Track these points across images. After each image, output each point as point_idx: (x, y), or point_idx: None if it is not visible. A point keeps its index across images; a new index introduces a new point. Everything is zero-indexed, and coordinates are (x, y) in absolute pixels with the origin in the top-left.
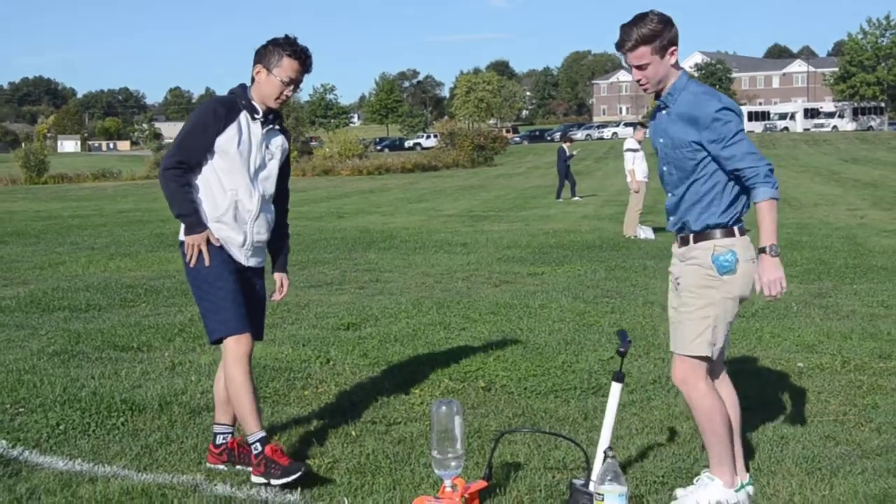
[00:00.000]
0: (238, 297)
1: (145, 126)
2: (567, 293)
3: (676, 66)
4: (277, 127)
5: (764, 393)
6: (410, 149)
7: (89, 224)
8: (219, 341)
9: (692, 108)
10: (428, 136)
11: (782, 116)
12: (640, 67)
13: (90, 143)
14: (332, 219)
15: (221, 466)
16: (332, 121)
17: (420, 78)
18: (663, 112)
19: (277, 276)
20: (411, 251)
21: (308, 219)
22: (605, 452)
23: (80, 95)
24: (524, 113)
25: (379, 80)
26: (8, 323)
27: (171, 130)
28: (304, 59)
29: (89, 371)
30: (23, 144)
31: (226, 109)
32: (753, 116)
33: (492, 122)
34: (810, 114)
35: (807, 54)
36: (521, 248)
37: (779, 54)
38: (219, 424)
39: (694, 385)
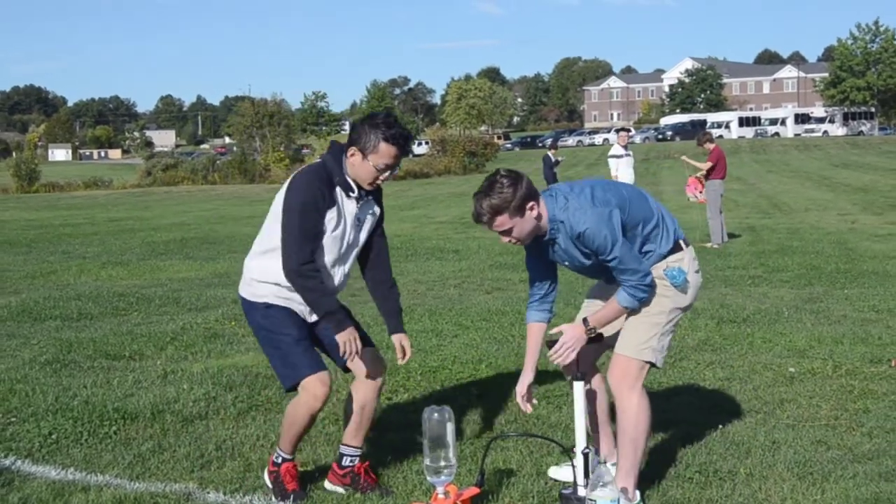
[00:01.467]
0: (305, 341)
1: (137, 134)
2: (558, 299)
3: (539, 211)
4: (371, 197)
5: (755, 398)
6: None
7: (81, 233)
8: (293, 388)
9: (573, 228)
10: (419, 143)
11: (773, 122)
12: (504, 233)
13: (81, 151)
14: None
15: (340, 489)
16: (324, 128)
17: (411, 85)
18: (557, 241)
19: (396, 338)
20: (403, 258)
21: None
22: (583, 454)
23: (70, 104)
24: (515, 119)
25: (370, 87)
26: None
27: (162, 138)
28: (402, 144)
29: (81, 380)
30: (13, 153)
31: (328, 188)
32: (744, 122)
33: (483, 128)
34: (801, 119)
35: (797, 60)
36: (512, 254)
37: (769, 60)
38: (346, 446)
39: (630, 387)
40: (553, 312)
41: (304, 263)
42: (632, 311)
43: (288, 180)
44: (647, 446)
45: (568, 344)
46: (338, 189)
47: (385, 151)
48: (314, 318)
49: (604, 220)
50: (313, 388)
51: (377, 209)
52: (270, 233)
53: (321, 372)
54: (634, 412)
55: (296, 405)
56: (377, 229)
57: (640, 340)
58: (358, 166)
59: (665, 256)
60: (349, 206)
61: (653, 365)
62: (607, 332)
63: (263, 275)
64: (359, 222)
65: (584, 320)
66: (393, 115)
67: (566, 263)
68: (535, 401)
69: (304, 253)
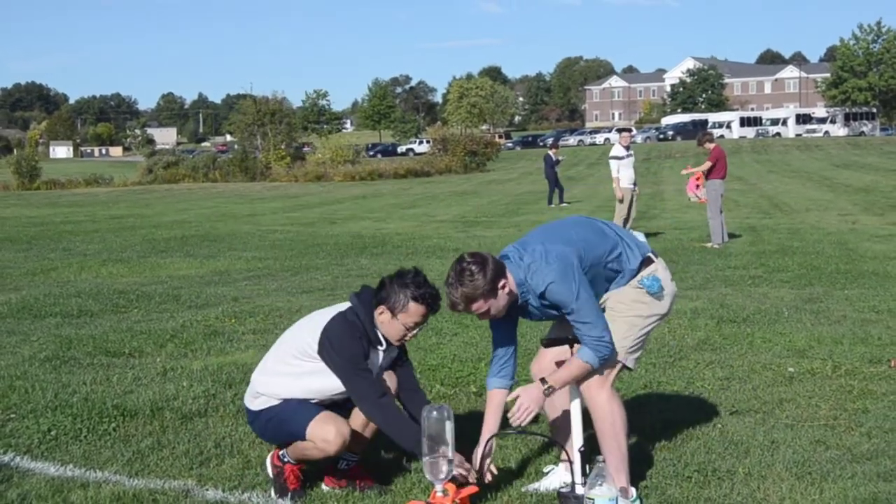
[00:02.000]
0: (304, 403)
1: (138, 132)
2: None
3: (509, 286)
4: (396, 344)
5: (755, 397)
6: (403, 154)
7: (81, 230)
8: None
9: (536, 289)
10: (420, 142)
11: (774, 122)
12: (483, 314)
13: (82, 148)
14: (325, 224)
15: (337, 489)
16: (325, 126)
17: (413, 83)
18: (529, 302)
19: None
20: (403, 257)
21: (300, 224)
22: (579, 451)
23: (72, 101)
24: (517, 118)
25: (372, 85)
26: None
27: (163, 136)
28: (431, 303)
29: (81, 377)
30: (15, 150)
31: (366, 342)
32: (745, 122)
33: (484, 127)
34: (802, 119)
35: (799, 60)
36: None
37: (771, 60)
38: (346, 451)
39: (599, 386)
40: (514, 379)
41: (382, 395)
42: (608, 314)
43: (317, 320)
44: (629, 443)
45: (525, 405)
46: (367, 340)
47: (414, 311)
48: None
49: (564, 275)
50: (321, 432)
51: (397, 351)
52: (289, 359)
53: (322, 413)
54: (607, 410)
55: (308, 446)
56: (399, 359)
57: (615, 339)
58: (387, 324)
59: (637, 272)
60: (373, 357)
61: (625, 367)
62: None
63: (269, 391)
64: (381, 370)
65: (542, 379)
66: (422, 273)
67: (543, 318)
68: (494, 469)
69: (373, 387)
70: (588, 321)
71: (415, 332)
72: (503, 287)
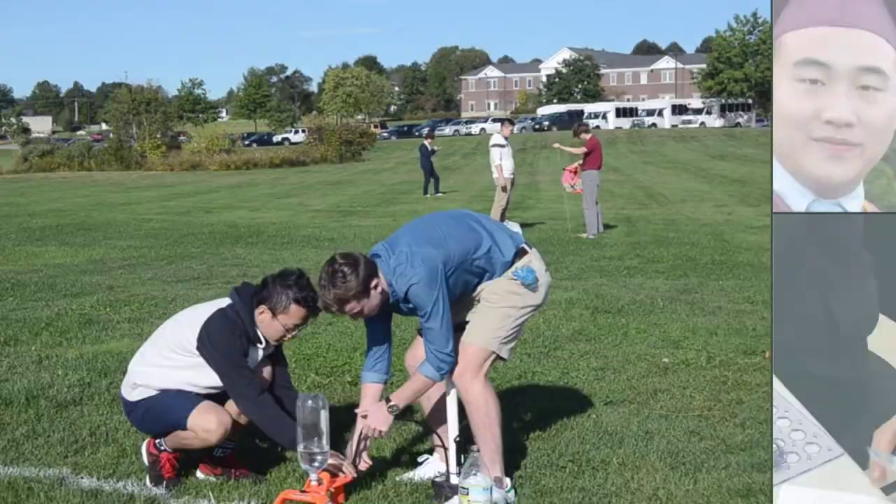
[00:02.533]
0: (182, 393)
1: (13, 120)
2: None
3: (381, 286)
4: (274, 344)
5: (629, 388)
6: (279, 144)
7: None
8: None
9: (398, 291)
10: (296, 132)
11: (650, 113)
12: (356, 314)
13: None
14: (200, 213)
15: (213, 478)
16: (201, 115)
17: (288, 73)
18: (399, 300)
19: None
20: (279, 246)
21: (176, 213)
22: (455, 441)
23: None
24: (392, 108)
25: (247, 74)
26: None
27: (39, 125)
28: (313, 307)
29: None
30: None
31: (244, 339)
32: (621, 113)
33: (360, 117)
34: (678, 110)
35: (675, 51)
36: None
37: (647, 51)
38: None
39: (473, 376)
40: (389, 374)
41: (260, 393)
42: (482, 305)
43: (196, 315)
44: (504, 433)
45: (373, 426)
46: (247, 339)
47: (295, 313)
48: None
49: (429, 280)
50: (202, 422)
51: (273, 349)
52: (167, 352)
53: (203, 403)
54: (482, 401)
55: (188, 436)
56: (275, 356)
57: (489, 330)
58: (267, 324)
59: (511, 263)
60: (253, 355)
61: (499, 357)
62: (458, 319)
63: (147, 382)
64: (258, 367)
65: (387, 399)
66: (305, 275)
67: (415, 315)
68: (368, 459)
69: (251, 384)
70: (436, 328)
71: (294, 333)
72: (376, 287)
